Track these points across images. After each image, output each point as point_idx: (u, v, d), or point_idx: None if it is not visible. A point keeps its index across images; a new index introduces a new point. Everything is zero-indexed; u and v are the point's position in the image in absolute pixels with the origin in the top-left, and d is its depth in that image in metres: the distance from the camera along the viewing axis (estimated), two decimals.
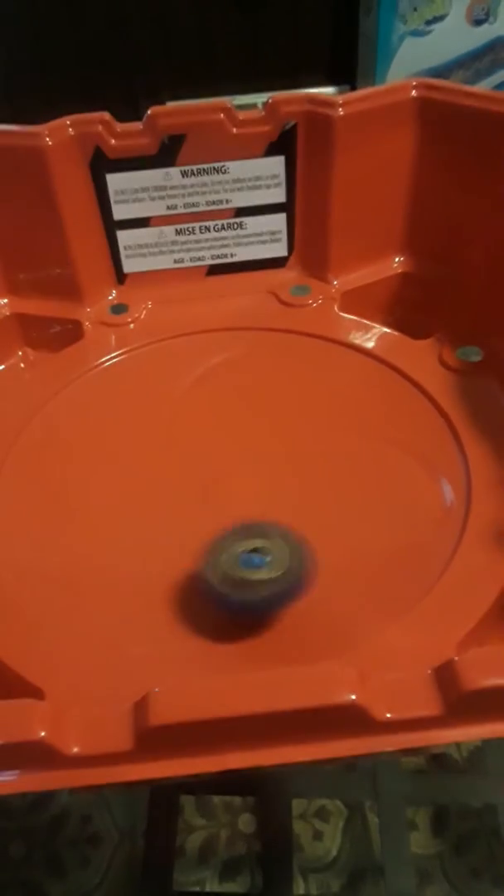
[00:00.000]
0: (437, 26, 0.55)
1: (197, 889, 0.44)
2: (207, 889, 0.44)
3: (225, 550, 0.25)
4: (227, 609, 0.25)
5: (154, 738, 0.17)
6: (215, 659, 0.25)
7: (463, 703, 0.17)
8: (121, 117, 0.35)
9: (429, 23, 0.55)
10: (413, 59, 0.56)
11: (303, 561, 0.25)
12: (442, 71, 0.57)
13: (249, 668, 0.22)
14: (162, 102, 0.36)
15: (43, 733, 0.17)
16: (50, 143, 0.34)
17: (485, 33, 0.57)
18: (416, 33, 0.55)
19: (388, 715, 0.18)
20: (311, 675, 0.18)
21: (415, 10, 0.54)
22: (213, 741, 0.18)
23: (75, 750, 0.17)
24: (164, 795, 0.38)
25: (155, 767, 0.18)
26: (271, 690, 0.17)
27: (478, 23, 0.56)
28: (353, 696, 0.17)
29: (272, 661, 0.25)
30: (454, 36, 0.56)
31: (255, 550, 0.25)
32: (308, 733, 0.18)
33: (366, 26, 0.56)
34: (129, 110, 0.35)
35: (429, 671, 0.18)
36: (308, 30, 0.58)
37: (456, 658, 0.18)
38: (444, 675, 0.18)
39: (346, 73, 0.60)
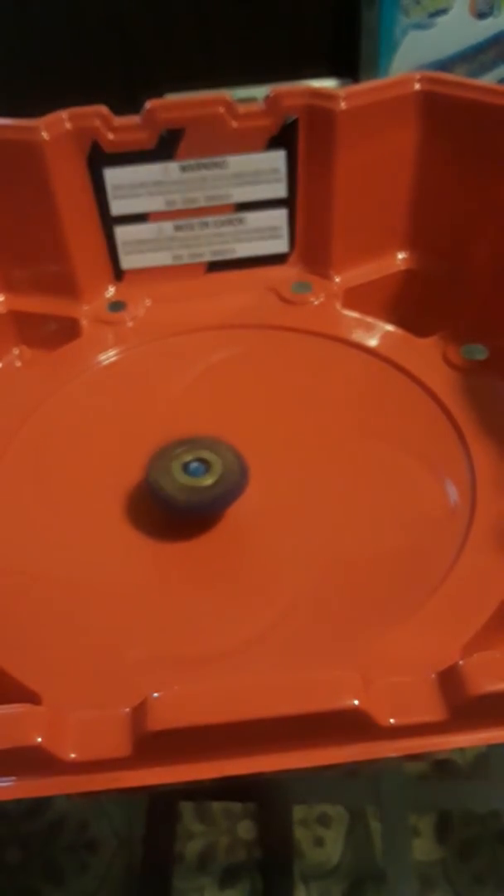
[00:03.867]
0: (440, 19, 0.55)
1: None
2: None
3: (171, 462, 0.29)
4: (177, 512, 0.28)
5: (152, 744, 0.17)
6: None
7: (468, 708, 0.17)
8: (119, 110, 0.34)
9: (432, 15, 0.55)
10: (416, 52, 0.56)
11: (239, 465, 0.29)
12: (445, 64, 0.57)
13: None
14: (161, 95, 0.35)
15: (40, 739, 0.17)
16: (46, 137, 0.33)
17: (489, 26, 0.57)
18: (419, 26, 0.55)
19: (392, 720, 0.17)
20: (312, 681, 0.17)
21: (417, 2, 0.54)
22: (213, 747, 0.17)
23: (72, 756, 0.17)
24: (163, 801, 0.38)
25: (153, 773, 0.18)
26: (272, 695, 0.17)
27: (482, 16, 0.56)
28: (356, 702, 0.17)
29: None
30: (458, 29, 0.56)
31: (197, 460, 0.28)
32: (310, 739, 0.18)
33: (368, 19, 0.56)
34: (127, 103, 0.35)
35: (433, 676, 0.18)
36: (310, 22, 0.58)
37: (461, 662, 0.17)
38: (449, 680, 0.17)
39: (348, 66, 0.59)
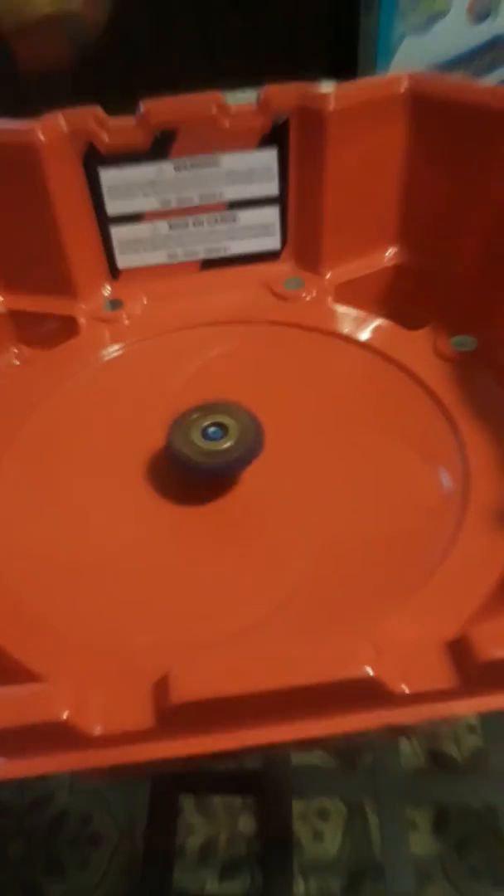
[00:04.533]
0: (437, 24, 0.55)
1: (197, 889, 0.44)
2: (207, 889, 0.44)
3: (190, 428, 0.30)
4: (198, 475, 0.29)
5: (175, 717, 0.17)
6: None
7: (478, 674, 0.18)
8: (120, 113, 0.35)
9: (429, 20, 0.55)
10: (413, 56, 0.56)
11: (255, 429, 0.30)
12: (442, 68, 0.57)
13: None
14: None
15: (65, 714, 0.17)
16: (42, 138, 0.34)
17: (486, 31, 0.57)
18: (417, 30, 0.55)
19: (405, 688, 0.18)
20: (327, 651, 0.18)
21: (415, 6, 0.54)
22: (232, 718, 0.18)
23: (97, 730, 0.17)
24: (164, 795, 0.38)
25: (176, 746, 0.18)
26: (288, 666, 0.17)
27: (479, 20, 0.56)
28: (370, 670, 0.17)
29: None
30: (455, 33, 0.56)
31: (215, 425, 0.30)
32: (325, 708, 0.18)
33: (366, 24, 0.56)
34: (127, 106, 0.35)
35: (443, 645, 0.18)
36: (308, 27, 0.58)
37: (470, 631, 0.18)
38: (459, 648, 0.18)
39: (346, 71, 0.60)
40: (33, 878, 0.45)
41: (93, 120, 0.34)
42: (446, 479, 0.29)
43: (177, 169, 0.36)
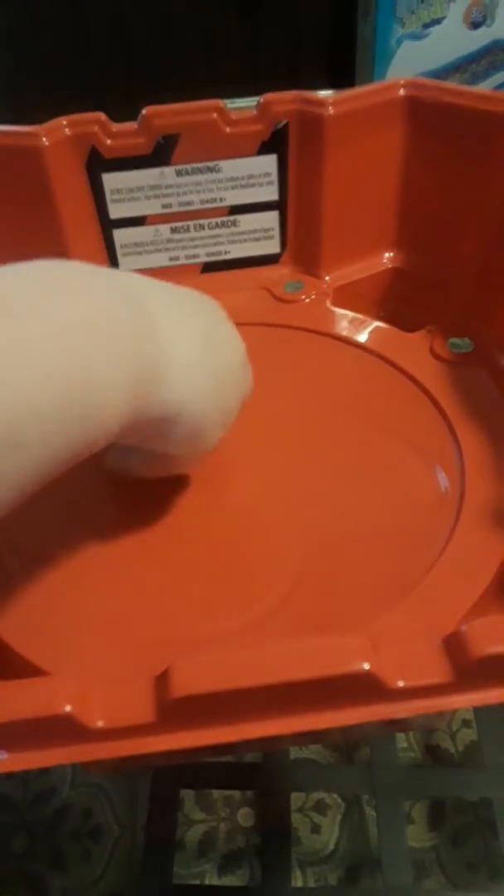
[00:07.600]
0: (434, 29, 0.56)
1: (196, 882, 0.45)
2: (207, 882, 0.44)
3: None
4: None
5: (176, 710, 0.18)
6: None
7: (472, 669, 0.18)
8: (122, 119, 0.35)
9: (426, 26, 0.56)
10: (410, 62, 0.57)
11: None
12: (439, 74, 0.58)
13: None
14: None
15: (68, 708, 0.17)
16: (46, 143, 0.34)
17: (482, 36, 0.58)
18: (414, 36, 0.56)
19: (401, 683, 0.18)
20: (326, 646, 0.18)
21: (412, 13, 0.55)
22: (232, 712, 0.18)
23: (100, 724, 0.18)
24: (165, 789, 0.38)
25: (177, 738, 0.18)
26: (286, 661, 0.18)
27: (475, 25, 0.57)
28: (367, 666, 0.17)
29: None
30: (451, 39, 0.57)
31: None
32: (323, 702, 0.18)
33: (364, 30, 0.57)
34: (129, 112, 0.36)
35: (438, 641, 0.18)
36: (307, 33, 0.59)
37: (464, 627, 0.18)
38: (453, 644, 0.18)
39: (344, 77, 0.60)
40: (36, 871, 0.45)
41: (96, 125, 0.35)
42: (442, 478, 0.30)
43: (178, 174, 0.36)
